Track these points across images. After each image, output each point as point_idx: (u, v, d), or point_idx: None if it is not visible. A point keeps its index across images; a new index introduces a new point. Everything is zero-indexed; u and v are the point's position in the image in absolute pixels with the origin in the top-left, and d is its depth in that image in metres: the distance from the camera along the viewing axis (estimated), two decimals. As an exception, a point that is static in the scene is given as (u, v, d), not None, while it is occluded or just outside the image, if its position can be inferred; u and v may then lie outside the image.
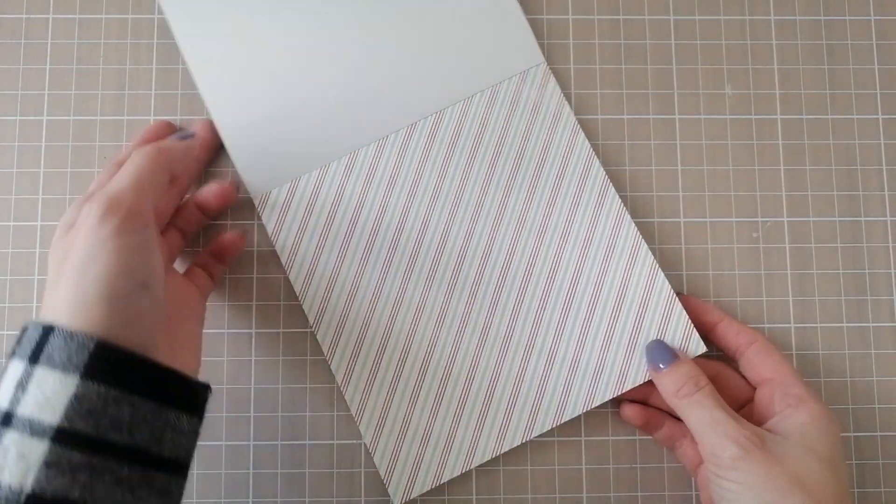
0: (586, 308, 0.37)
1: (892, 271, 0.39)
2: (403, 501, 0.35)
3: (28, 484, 0.22)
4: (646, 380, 0.36)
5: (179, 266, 0.36)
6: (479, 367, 0.36)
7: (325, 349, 0.36)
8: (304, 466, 0.36)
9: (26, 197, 0.38)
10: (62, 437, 0.23)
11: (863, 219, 0.39)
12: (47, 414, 0.23)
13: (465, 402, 0.36)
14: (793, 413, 0.32)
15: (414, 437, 0.35)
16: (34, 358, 0.24)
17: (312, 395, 0.37)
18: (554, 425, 0.36)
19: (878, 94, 0.40)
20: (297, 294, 0.36)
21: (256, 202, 0.37)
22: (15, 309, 0.37)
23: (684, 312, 0.36)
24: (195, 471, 0.36)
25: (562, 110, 0.38)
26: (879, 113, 0.40)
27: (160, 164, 0.30)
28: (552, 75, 0.39)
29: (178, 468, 0.27)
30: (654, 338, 0.36)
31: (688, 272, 0.39)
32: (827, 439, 0.31)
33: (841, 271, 0.39)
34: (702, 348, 0.36)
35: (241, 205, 0.38)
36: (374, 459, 0.35)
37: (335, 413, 0.37)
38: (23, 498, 0.22)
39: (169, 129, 0.37)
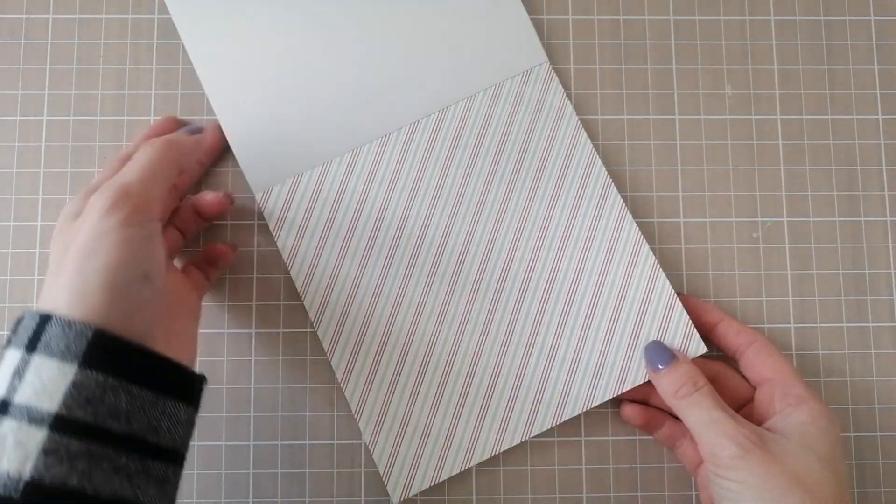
0: (587, 307, 0.37)
1: (892, 271, 0.39)
2: (402, 499, 0.35)
3: (27, 471, 0.22)
4: (645, 380, 0.36)
5: (177, 263, 0.36)
6: (480, 365, 0.36)
7: (325, 346, 0.36)
8: (304, 466, 0.36)
9: (26, 197, 0.38)
10: (61, 424, 0.23)
11: (863, 219, 0.39)
12: (45, 402, 0.23)
13: (465, 400, 0.36)
14: (793, 412, 0.32)
15: (413, 435, 0.35)
16: (31, 346, 0.24)
17: (312, 394, 0.37)
18: (554, 424, 0.36)
19: (878, 94, 0.40)
20: (299, 291, 0.36)
21: (258, 198, 0.37)
22: (15, 309, 0.37)
23: (685, 313, 0.36)
24: (195, 471, 0.36)
25: (564, 110, 0.38)
26: (879, 113, 0.40)
27: (169, 157, 0.30)
28: (555, 75, 0.39)
29: (175, 457, 0.27)
30: (655, 338, 0.36)
31: (688, 272, 0.39)
32: (827, 438, 0.31)
33: (841, 271, 0.39)
34: (702, 349, 0.36)
35: (241, 203, 0.38)
36: (374, 457, 0.35)
37: (335, 413, 0.37)
38: (21, 485, 0.22)
39: (176, 125, 0.37)
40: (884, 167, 0.39)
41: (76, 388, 0.24)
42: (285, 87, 0.38)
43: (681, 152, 0.39)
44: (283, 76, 0.38)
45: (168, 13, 0.38)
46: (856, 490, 0.37)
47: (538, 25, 0.39)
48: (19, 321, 0.25)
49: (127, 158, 0.31)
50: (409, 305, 0.36)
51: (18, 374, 0.24)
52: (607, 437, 0.37)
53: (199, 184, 0.38)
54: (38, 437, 0.23)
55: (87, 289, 0.25)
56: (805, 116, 0.40)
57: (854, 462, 0.37)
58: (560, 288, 0.37)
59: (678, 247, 0.39)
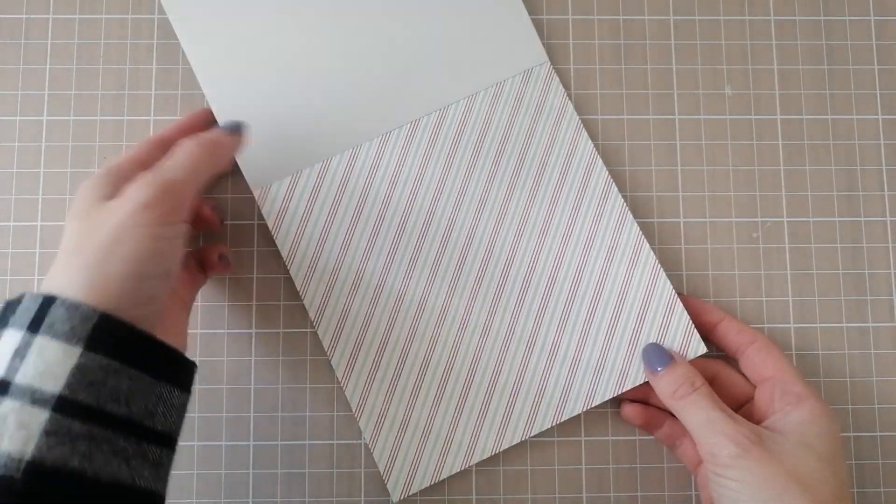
0: (588, 307, 0.37)
1: (892, 271, 0.39)
2: (402, 497, 0.35)
3: (28, 451, 0.22)
4: (645, 380, 0.36)
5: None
6: (480, 365, 0.36)
7: (325, 345, 0.36)
8: (304, 466, 0.36)
9: (26, 197, 0.38)
10: (63, 406, 0.23)
11: (863, 219, 0.39)
12: (49, 383, 0.23)
13: (466, 399, 0.36)
14: (792, 411, 0.32)
15: (414, 434, 0.35)
16: (34, 327, 0.24)
17: (312, 395, 0.37)
18: (554, 423, 0.36)
19: (878, 94, 0.40)
20: (298, 289, 0.36)
21: (256, 195, 0.37)
22: (15, 309, 0.37)
23: (685, 313, 0.36)
24: (195, 471, 0.36)
25: (565, 110, 0.38)
26: (879, 113, 0.40)
27: (211, 160, 0.30)
28: (556, 74, 0.39)
29: (169, 441, 0.27)
30: (655, 338, 0.36)
31: (688, 272, 0.39)
32: (827, 437, 0.31)
33: (841, 271, 0.39)
34: (702, 349, 0.36)
35: (241, 201, 0.38)
36: (374, 455, 0.35)
37: (335, 413, 0.37)
38: (23, 465, 0.22)
39: (210, 119, 0.37)
40: (884, 167, 0.39)
41: (80, 370, 0.24)
42: (284, 84, 0.38)
43: (681, 152, 0.39)
44: (283, 73, 0.38)
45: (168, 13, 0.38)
46: (856, 490, 0.37)
47: (538, 25, 0.39)
48: (16, 302, 0.25)
49: (160, 144, 0.32)
50: (409, 305, 0.36)
51: (20, 354, 0.24)
52: (607, 437, 0.37)
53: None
54: (40, 418, 0.23)
55: (108, 276, 0.25)
56: (805, 116, 0.40)
57: (854, 462, 0.37)
58: (561, 287, 0.37)
59: (678, 247, 0.39)
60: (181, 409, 0.28)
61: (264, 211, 0.37)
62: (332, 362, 0.36)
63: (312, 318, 0.36)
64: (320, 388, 0.37)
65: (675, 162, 0.39)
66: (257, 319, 0.37)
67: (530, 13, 0.39)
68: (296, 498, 0.36)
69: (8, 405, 0.23)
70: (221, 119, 0.37)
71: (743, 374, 0.36)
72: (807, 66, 0.40)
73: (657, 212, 0.39)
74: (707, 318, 0.36)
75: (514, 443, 0.35)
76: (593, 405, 0.36)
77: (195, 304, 0.37)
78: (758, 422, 0.33)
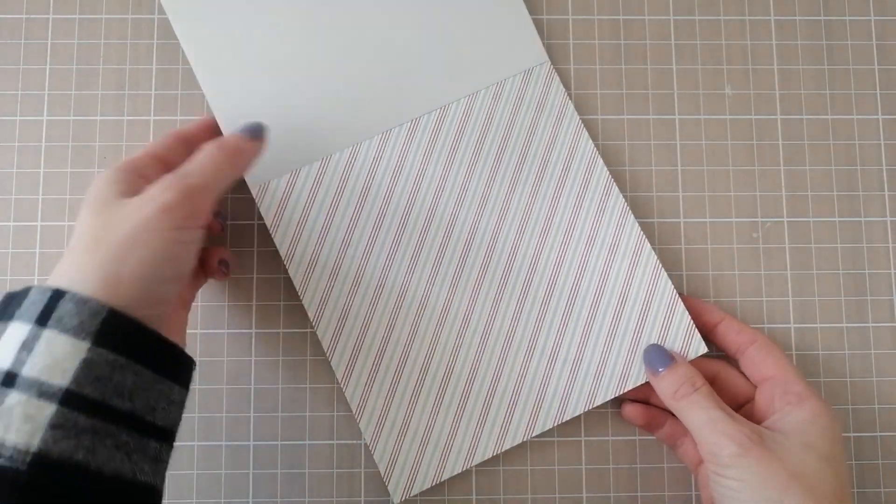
0: (589, 307, 0.37)
1: (892, 271, 0.39)
2: (403, 499, 0.35)
3: (34, 444, 0.22)
4: (646, 380, 0.36)
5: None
6: (481, 365, 0.36)
7: (325, 346, 0.36)
8: (304, 466, 0.36)
9: (26, 197, 0.38)
10: (70, 399, 0.23)
11: (863, 219, 0.39)
12: (56, 376, 0.23)
13: (467, 400, 0.36)
14: (793, 410, 0.32)
15: (415, 435, 0.35)
16: (41, 321, 0.24)
17: (312, 395, 0.37)
18: (555, 424, 0.36)
19: (878, 94, 0.40)
20: (297, 289, 0.36)
21: (254, 192, 0.37)
22: (15, 309, 0.37)
23: (686, 313, 0.36)
24: (195, 471, 0.36)
25: (565, 110, 0.38)
26: (879, 113, 0.40)
27: (234, 167, 0.31)
28: (556, 74, 0.39)
29: (168, 436, 0.27)
30: (656, 338, 0.36)
31: (688, 272, 0.39)
32: (827, 437, 0.31)
33: (841, 271, 0.39)
34: (703, 349, 0.36)
35: (240, 201, 0.38)
36: (374, 457, 0.35)
37: (335, 413, 0.37)
38: (29, 457, 0.22)
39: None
40: (884, 167, 0.39)
41: (87, 364, 0.24)
42: (284, 83, 0.37)
43: (681, 152, 0.39)
44: (283, 72, 0.37)
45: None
46: (856, 490, 0.37)
47: (538, 25, 0.39)
48: (20, 295, 0.25)
49: (183, 139, 0.33)
50: (409, 305, 0.36)
51: (27, 347, 0.24)
52: (607, 437, 0.37)
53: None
54: (47, 411, 0.23)
55: (123, 275, 0.25)
56: (805, 116, 0.40)
57: (854, 462, 0.37)
58: (562, 287, 0.37)
59: (678, 247, 0.39)
60: (180, 406, 0.28)
61: (262, 208, 0.37)
62: (331, 363, 0.36)
63: (312, 318, 0.36)
64: (320, 388, 0.37)
65: (675, 162, 0.39)
66: (257, 319, 0.37)
67: (531, 13, 0.39)
68: (296, 498, 0.36)
69: (14, 397, 0.23)
70: (221, 118, 0.37)
71: (743, 374, 0.36)
72: (807, 66, 0.40)
73: (657, 212, 0.39)
74: (707, 318, 0.36)
75: (516, 443, 0.35)
76: (595, 405, 0.36)
77: (195, 304, 0.37)
78: (758, 422, 0.33)
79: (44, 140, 0.38)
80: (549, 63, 0.39)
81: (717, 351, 0.37)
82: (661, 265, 0.37)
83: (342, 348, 0.36)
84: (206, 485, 0.36)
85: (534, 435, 0.36)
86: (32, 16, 0.39)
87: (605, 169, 0.38)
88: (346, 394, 0.36)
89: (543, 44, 0.39)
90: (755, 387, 0.35)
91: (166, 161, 0.31)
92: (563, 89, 0.38)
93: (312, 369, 0.37)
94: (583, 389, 0.36)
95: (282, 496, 0.36)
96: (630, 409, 0.36)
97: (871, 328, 0.38)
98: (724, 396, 0.33)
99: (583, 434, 0.37)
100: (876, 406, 0.38)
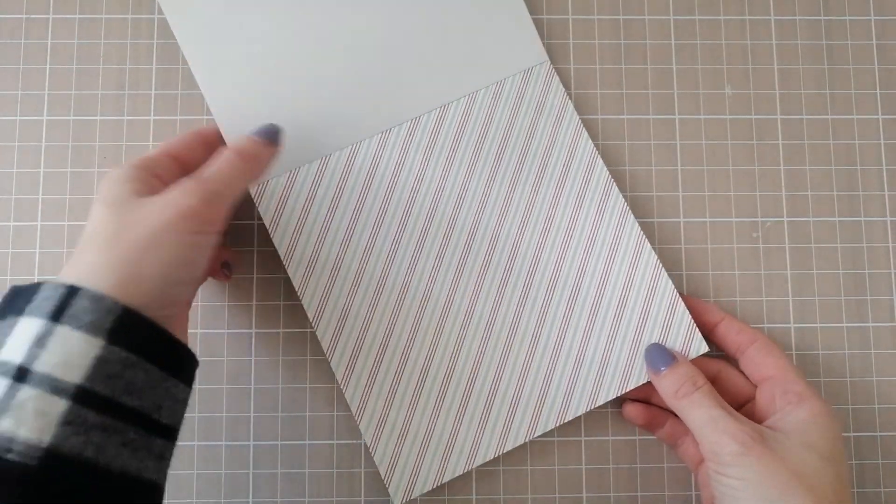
0: (590, 308, 0.36)
1: (892, 271, 0.39)
2: (404, 501, 0.35)
3: (46, 440, 0.22)
4: (648, 380, 0.36)
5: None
6: (482, 367, 0.36)
7: (324, 346, 0.36)
8: (304, 466, 0.36)
9: (26, 197, 0.38)
10: (82, 396, 0.23)
11: (863, 219, 0.39)
12: (69, 373, 0.23)
13: (468, 402, 0.36)
14: (793, 410, 0.32)
15: (415, 437, 0.35)
16: (55, 317, 0.24)
17: (312, 395, 0.37)
18: (556, 425, 0.36)
19: (878, 94, 0.40)
20: (296, 289, 0.36)
21: (253, 192, 0.37)
22: (15, 309, 0.37)
23: (687, 312, 0.36)
24: (195, 471, 0.36)
25: (565, 110, 0.38)
26: (879, 113, 0.40)
27: (252, 173, 0.31)
28: (556, 74, 0.39)
29: (172, 435, 0.27)
30: (657, 337, 0.36)
31: (688, 272, 0.39)
32: (828, 436, 0.31)
33: (841, 271, 0.39)
34: (704, 348, 0.36)
35: (240, 201, 0.38)
36: (375, 459, 0.35)
37: (335, 413, 0.37)
38: (40, 453, 0.22)
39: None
40: (884, 167, 0.39)
41: (100, 362, 0.24)
42: (283, 82, 0.37)
43: (681, 152, 0.39)
44: (282, 71, 0.37)
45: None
46: (856, 490, 0.37)
47: (538, 25, 0.39)
48: (29, 290, 0.25)
49: (203, 139, 0.33)
50: (409, 306, 0.36)
51: (40, 342, 0.24)
52: (607, 437, 0.37)
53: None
54: (59, 407, 0.23)
55: (140, 276, 0.26)
56: (805, 116, 0.40)
57: (854, 462, 0.37)
58: (562, 288, 0.37)
59: (678, 247, 0.39)
60: (184, 404, 0.28)
61: (261, 208, 0.37)
62: (331, 364, 0.36)
63: (311, 319, 0.36)
64: (320, 388, 0.37)
65: (675, 162, 0.39)
66: (257, 319, 0.37)
67: (530, 13, 0.39)
68: (296, 498, 0.36)
69: (27, 392, 0.23)
70: (220, 118, 0.37)
71: (744, 374, 0.36)
72: (807, 66, 0.40)
73: (657, 212, 0.39)
74: (707, 318, 0.36)
75: (517, 444, 0.35)
76: (596, 405, 0.36)
77: (195, 303, 0.37)
78: (759, 421, 0.33)
79: (44, 140, 0.38)
80: (549, 63, 0.39)
81: (717, 351, 0.37)
82: (661, 265, 0.37)
83: (342, 349, 0.36)
84: (206, 485, 0.36)
85: (536, 435, 0.35)
86: (32, 16, 0.39)
87: (605, 169, 0.38)
88: (346, 395, 0.36)
89: (543, 44, 0.39)
90: (755, 386, 0.35)
91: (182, 160, 0.32)
92: (563, 89, 0.38)
93: (312, 369, 0.37)
94: (584, 389, 0.36)
95: (282, 496, 0.36)
96: (631, 409, 0.36)
97: (871, 328, 0.38)
98: (724, 396, 0.33)
99: (583, 434, 0.37)
100: (876, 406, 0.38)
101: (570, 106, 0.38)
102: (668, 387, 0.33)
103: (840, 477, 0.30)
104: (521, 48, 0.39)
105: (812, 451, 0.30)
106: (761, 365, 0.34)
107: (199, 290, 0.36)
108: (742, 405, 0.35)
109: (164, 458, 0.26)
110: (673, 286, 0.37)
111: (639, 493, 0.37)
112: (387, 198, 0.37)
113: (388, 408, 0.35)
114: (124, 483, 0.24)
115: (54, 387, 0.23)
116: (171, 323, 0.27)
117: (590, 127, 0.39)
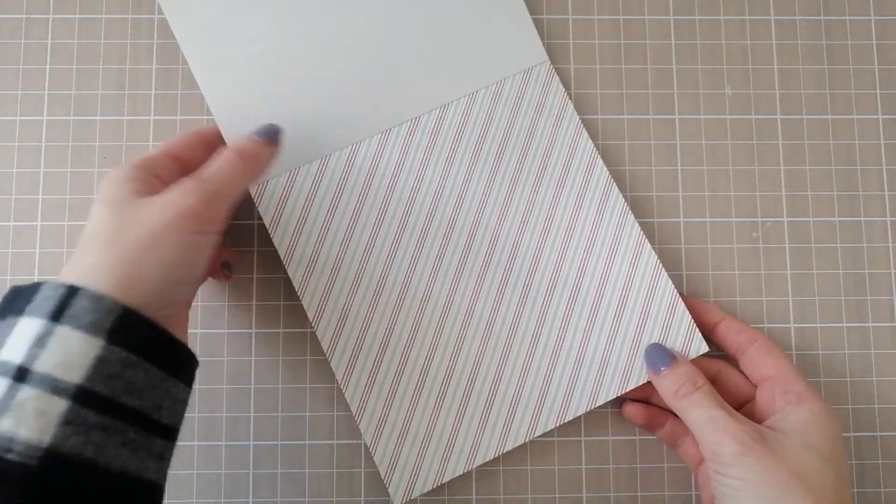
0: (590, 308, 0.36)
1: (892, 271, 0.39)
2: (404, 501, 0.35)
3: (46, 440, 0.22)
4: (648, 380, 0.36)
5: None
6: (482, 367, 0.36)
7: (324, 346, 0.36)
8: (304, 466, 0.36)
9: (26, 197, 0.38)
10: (82, 396, 0.23)
11: (863, 219, 0.39)
12: (69, 373, 0.23)
13: (468, 402, 0.36)
14: (793, 410, 0.32)
15: (415, 437, 0.35)
16: (55, 317, 0.24)
17: (312, 395, 0.37)
18: (556, 425, 0.36)
19: (878, 94, 0.40)
20: (296, 289, 0.36)
21: (253, 191, 0.37)
22: (15, 309, 0.37)
23: (687, 312, 0.36)
24: (195, 471, 0.36)
25: (565, 110, 0.38)
26: (879, 113, 0.40)
27: (252, 173, 0.31)
28: (556, 74, 0.39)
29: (172, 434, 0.27)
30: (657, 337, 0.36)
31: (688, 272, 0.39)
32: (828, 436, 0.31)
33: (841, 271, 0.39)
34: (704, 348, 0.36)
35: (240, 201, 0.38)
36: (375, 459, 0.35)
37: (335, 413, 0.37)
38: (40, 453, 0.22)
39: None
40: (884, 167, 0.39)
41: (100, 362, 0.24)
42: (283, 82, 0.37)
43: (681, 152, 0.39)
44: (282, 71, 0.37)
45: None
46: (856, 490, 0.37)
47: (538, 25, 0.39)
48: (29, 290, 0.25)
49: (203, 139, 0.33)
50: (409, 306, 0.36)
51: (40, 342, 0.24)
52: (607, 437, 0.37)
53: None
54: (59, 407, 0.23)
55: (141, 276, 0.26)
56: (805, 116, 0.40)
57: (854, 462, 0.37)
58: (562, 288, 0.37)
59: (678, 247, 0.39)
60: (184, 404, 0.28)
61: (261, 208, 0.37)
62: (331, 364, 0.36)
63: (311, 319, 0.36)
64: (320, 388, 0.37)
65: (675, 162, 0.39)
66: (257, 319, 0.37)
67: (531, 13, 0.39)
68: (296, 498, 0.36)
69: (27, 392, 0.23)
70: (220, 118, 0.36)
71: (744, 374, 0.36)
72: (807, 66, 0.40)
73: (657, 212, 0.39)
74: (707, 318, 0.36)
75: (517, 444, 0.35)
76: (596, 405, 0.36)
77: (195, 303, 0.37)
78: (759, 421, 0.33)
79: (44, 140, 0.38)
80: (549, 63, 0.39)
81: (717, 351, 0.37)
82: (661, 265, 0.37)
83: (342, 349, 0.36)
84: (206, 485, 0.36)
85: (536, 435, 0.35)
86: (32, 16, 0.39)
87: (605, 169, 0.38)
88: (346, 395, 0.36)
89: (543, 44, 0.39)
90: (755, 386, 0.35)
91: (182, 160, 0.32)
92: (563, 89, 0.38)
93: (312, 369, 0.37)
94: (584, 389, 0.36)
95: (282, 496, 0.36)
96: (631, 409, 0.36)
97: (871, 328, 0.38)
98: (724, 396, 0.33)
99: (583, 434, 0.37)
100: (876, 406, 0.38)
101: (570, 106, 0.38)
102: (668, 387, 0.33)
103: (840, 477, 0.30)
104: (521, 48, 0.39)
105: (812, 451, 0.30)
106: (761, 365, 0.34)
107: (199, 290, 0.36)
108: (742, 405, 0.35)
109: (164, 458, 0.26)
110: (673, 286, 0.37)
111: (639, 493, 0.37)
112: (387, 198, 0.37)
113: (388, 408, 0.35)
114: (124, 483, 0.24)
115: (54, 387, 0.23)
116: (171, 323, 0.27)
117: (590, 127, 0.39)
